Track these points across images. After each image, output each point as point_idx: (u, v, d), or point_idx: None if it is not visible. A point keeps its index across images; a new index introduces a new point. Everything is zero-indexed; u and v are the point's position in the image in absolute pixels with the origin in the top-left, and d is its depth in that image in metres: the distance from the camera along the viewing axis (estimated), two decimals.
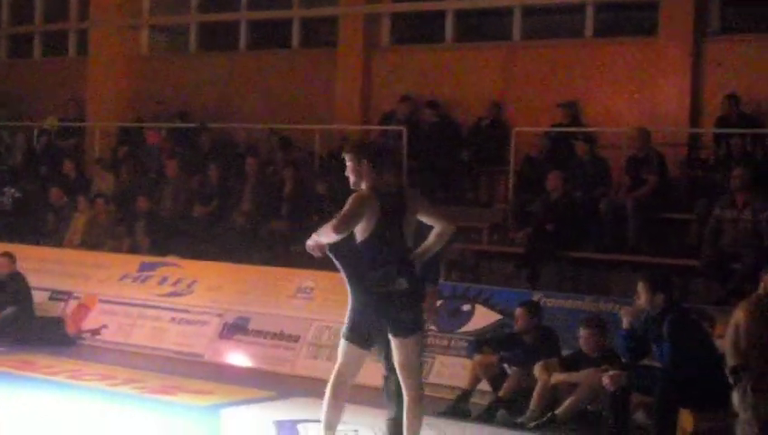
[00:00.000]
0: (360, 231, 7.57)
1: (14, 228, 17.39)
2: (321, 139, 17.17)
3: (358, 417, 9.46)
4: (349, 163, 7.84)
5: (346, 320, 7.68)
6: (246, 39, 19.84)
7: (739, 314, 9.41)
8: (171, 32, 21.22)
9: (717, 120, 14.81)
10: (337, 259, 7.75)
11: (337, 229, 7.43)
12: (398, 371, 7.75)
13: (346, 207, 7.52)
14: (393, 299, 7.56)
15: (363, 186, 7.70)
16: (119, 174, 18.44)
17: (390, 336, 7.66)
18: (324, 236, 7.55)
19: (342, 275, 7.76)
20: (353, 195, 7.61)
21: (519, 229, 14.17)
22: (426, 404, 9.21)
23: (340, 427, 8.93)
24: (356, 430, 9.28)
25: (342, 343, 7.72)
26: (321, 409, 7.74)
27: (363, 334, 7.68)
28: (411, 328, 7.67)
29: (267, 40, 19.94)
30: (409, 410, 7.75)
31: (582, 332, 10.19)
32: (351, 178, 7.82)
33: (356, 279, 7.67)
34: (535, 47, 16.85)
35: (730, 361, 9.27)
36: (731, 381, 8.91)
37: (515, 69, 16.87)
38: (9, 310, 14.12)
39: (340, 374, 7.76)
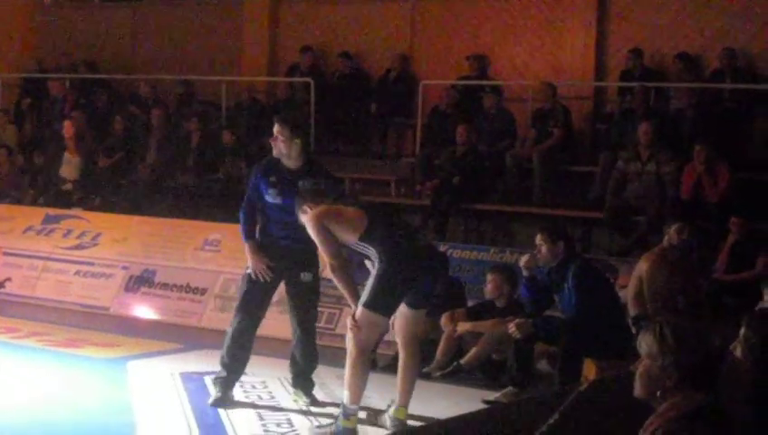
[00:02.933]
0: (355, 228, 7.65)
1: None
2: (227, 90, 17.08)
3: (265, 368, 9.51)
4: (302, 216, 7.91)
5: (369, 292, 7.54)
6: None
7: (642, 266, 9.59)
8: None
9: (621, 73, 14.99)
10: (370, 245, 7.64)
11: (333, 257, 7.58)
12: (399, 335, 7.90)
13: (316, 237, 7.65)
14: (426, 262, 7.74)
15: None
16: (22, 125, 18.18)
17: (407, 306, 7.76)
18: (340, 277, 7.61)
19: (373, 255, 7.64)
20: (310, 225, 7.67)
21: (426, 182, 14.24)
22: (333, 355, 9.32)
23: (247, 379, 9.00)
24: (263, 382, 9.30)
25: (368, 314, 7.56)
26: (346, 384, 7.66)
27: (392, 303, 7.66)
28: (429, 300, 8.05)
29: None
30: (406, 366, 7.95)
31: (489, 276, 10.30)
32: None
33: (390, 247, 7.58)
34: (443, 0, 16.85)
35: (632, 311, 9.45)
36: (633, 330, 9.09)
37: (423, 21, 16.87)
38: None
39: (368, 346, 7.74)
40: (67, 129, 15.81)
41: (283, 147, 8.36)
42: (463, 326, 10.06)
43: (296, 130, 8.42)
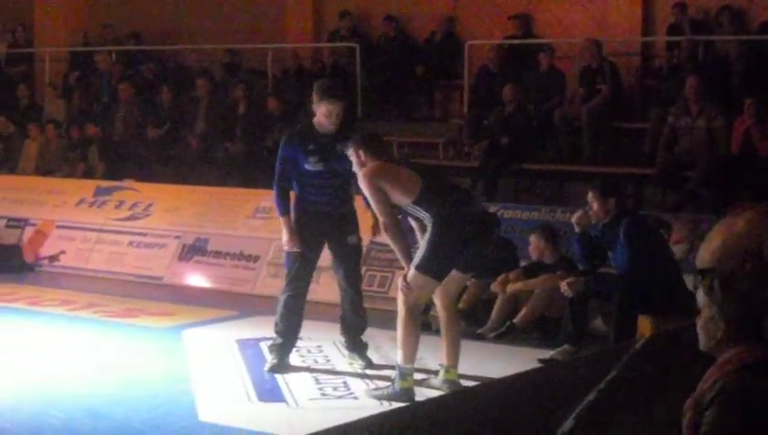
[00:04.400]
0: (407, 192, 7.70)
1: None
2: (273, 58, 17.08)
3: (320, 332, 9.56)
4: (352, 158, 7.96)
5: (422, 255, 7.61)
6: None
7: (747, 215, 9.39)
8: None
9: (668, 28, 14.84)
10: (423, 209, 7.71)
11: (386, 216, 7.64)
12: (441, 297, 7.95)
13: (370, 195, 7.71)
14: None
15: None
16: (71, 99, 18.29)
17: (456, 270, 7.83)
18: (393, 237, 7.68)
19: (426, 218, 7.71)
20: (364, 182, 7.73)
21: (474, 143, 14.19)
22: (386, 318, 9.34)
23: (302, 343, 9.05)
24: (319, 346, 9.36)
25: (419, 276, 7.64)
26: (399, 343, 7.76)
27: (444, 267, 7.71)
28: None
29: None
30: (449, 328, 8.03)
31: (531, 238, 10.33)
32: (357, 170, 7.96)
33: (443, 212, 7.64)
34: None
35: (706, 263, 9.30)
36: (694, 283, 9.00)
37: None
38: None
39: (417, 307, 7.81)
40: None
41: (336, 122, 8.41)
42: (513, 285, 10.06)
43: (347, 102, 8.58)
